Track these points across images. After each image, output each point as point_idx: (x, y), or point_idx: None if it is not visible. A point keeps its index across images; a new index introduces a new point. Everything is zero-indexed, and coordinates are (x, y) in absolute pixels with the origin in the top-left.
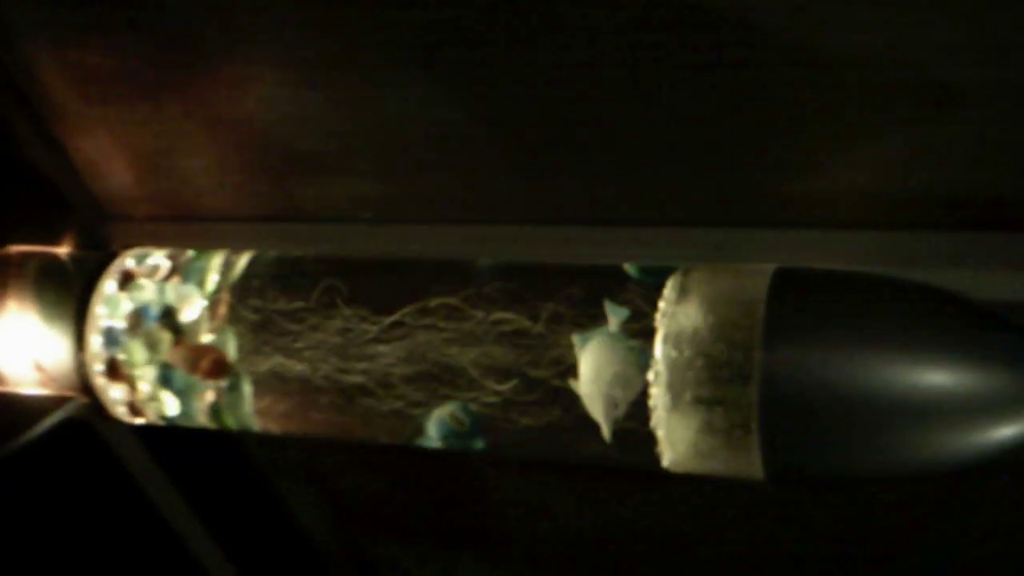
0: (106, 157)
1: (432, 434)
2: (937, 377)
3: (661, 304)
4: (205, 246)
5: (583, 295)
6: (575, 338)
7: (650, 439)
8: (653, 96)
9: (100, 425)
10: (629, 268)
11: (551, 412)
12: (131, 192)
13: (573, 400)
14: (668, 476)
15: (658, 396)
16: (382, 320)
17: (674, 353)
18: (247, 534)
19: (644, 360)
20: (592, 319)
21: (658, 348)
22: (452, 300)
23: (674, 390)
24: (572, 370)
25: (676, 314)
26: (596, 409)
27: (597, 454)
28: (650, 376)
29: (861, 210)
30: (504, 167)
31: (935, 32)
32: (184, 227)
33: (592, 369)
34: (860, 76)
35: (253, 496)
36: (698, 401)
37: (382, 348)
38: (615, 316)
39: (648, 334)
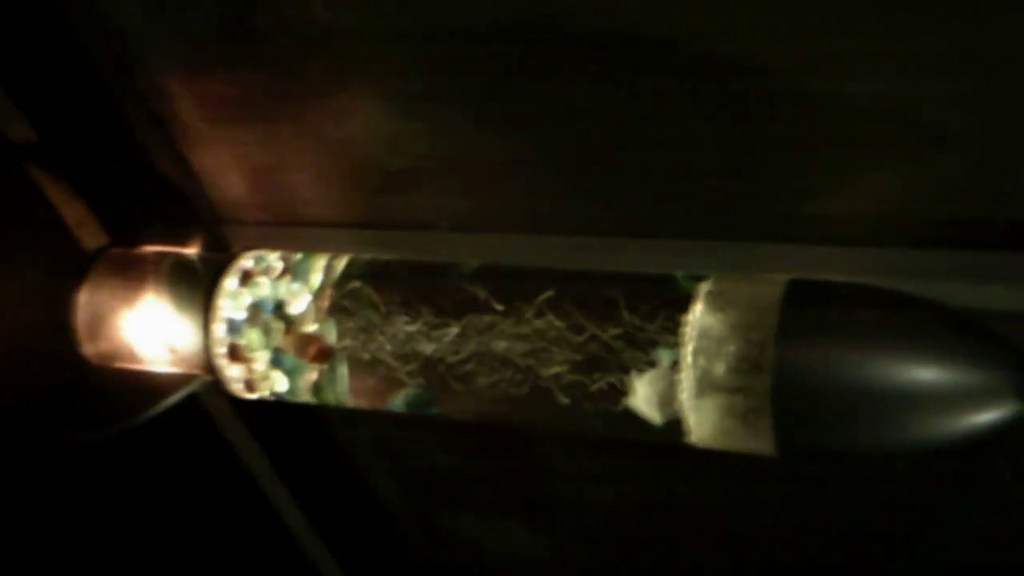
0: (225, 171)
1: (399, 402)
2: (922, 372)
3: (695, 305)
4: (307, 249)
5: (642, 297)
6: (632, 374)
7: (680, 420)
8: (693, 131)
9: (208, 403)
10: (677, 274)
11: (603, 404)
12: (245, 201)
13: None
14: (705, 453)
15: (688, 383)
16: (455, 315)
17: (703, 347)
18: (328, 501)
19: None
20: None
21: (690, 343)
22: (517, 300)
23: (702, 378)
24: (628, 387)
25: (707, 314)
26: (647, 412)
27: (634, 432)
28: (683, 367)
29: (865, 230)
30: (564, 187)
31: (930, 82)
32: (289, 231)
33: (644, 391)
34: (868, 116)
35: (335, 468)
36: (721, 388)
37: (449, 339)
38: (665, 359)
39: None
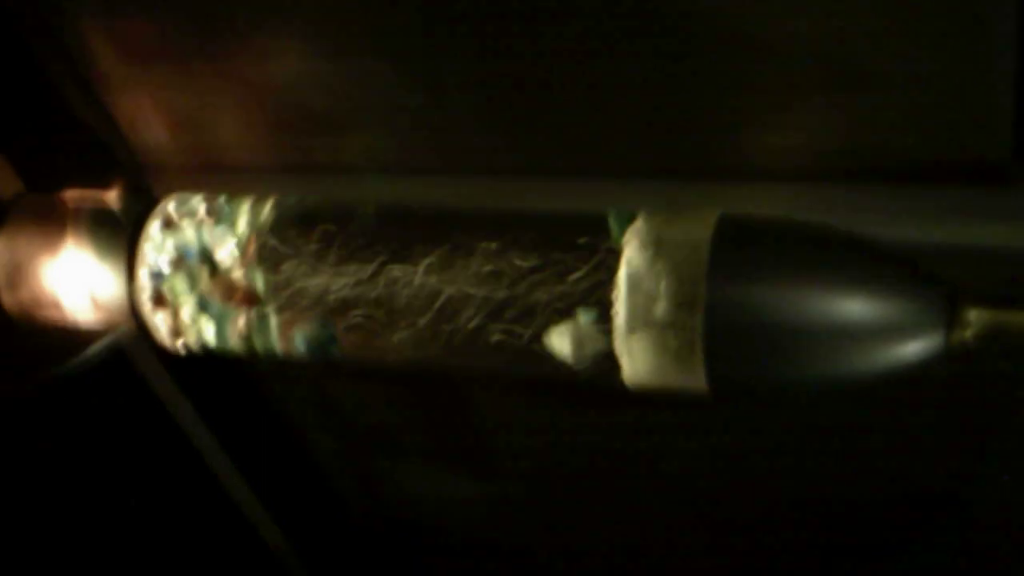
0: (145, 114)
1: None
2: (852, 307)
3: (626, 243)
4: (232, 194)
5: (572, 235)
6: (560, 315)
7: (612, 359)
8: (622, 69)
9: (134, 355)
10: (607, 212)
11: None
12: (166, 145)
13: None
14: (638, 401)
15: (620, 321)
16: (378, 255)
17: (634, 285)
18: (261, 453)
19: (606, 328)
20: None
21: (621, 281)
22: (445, 243)
23: (633, 316)
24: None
25: (638, 252)
26: (565, 353)
27: (564, 373)
28: (614, 304)
29: (795, 166)
30: (490, 126)
31: (858, 20)
32: (213, 176)
33: (571, 332)
34: (797, 54)
35: (267, 420)
36: (653, 325)
37: (377, 282)
38: (585, 316)
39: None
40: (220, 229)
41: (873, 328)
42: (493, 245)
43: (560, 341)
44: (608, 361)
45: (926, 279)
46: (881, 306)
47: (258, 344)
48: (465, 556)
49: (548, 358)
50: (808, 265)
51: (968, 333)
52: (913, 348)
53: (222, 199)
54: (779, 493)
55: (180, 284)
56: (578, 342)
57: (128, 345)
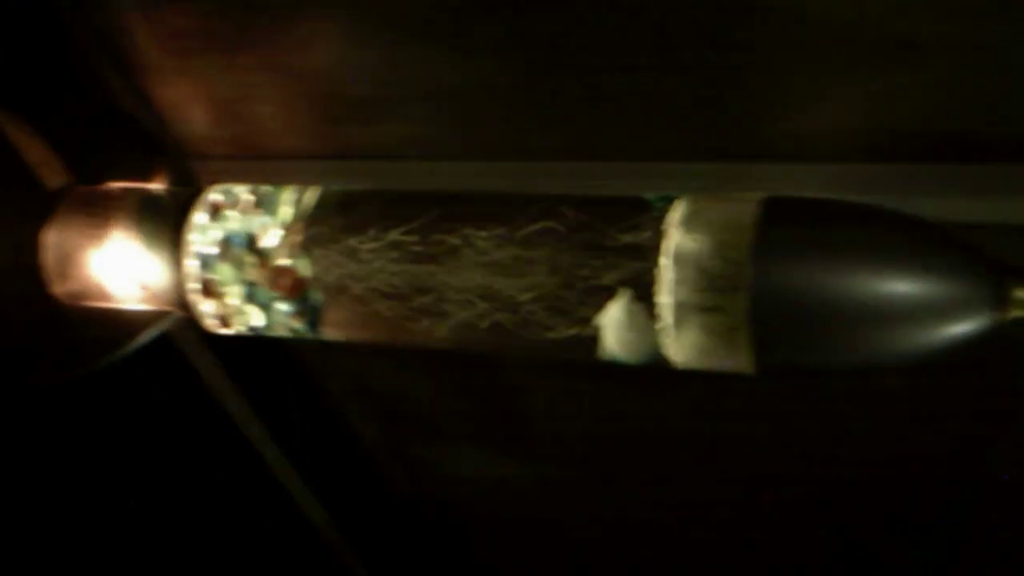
0: (187, 104)
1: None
2: (898, 285)
3: (669, 227)
4: (274, 182)
5: (614, 219)
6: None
7: (657, 342)
8: (660, 51)
9: (179, 339)
10: (648, 196)
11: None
12: (209, 134)
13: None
14: (679, 381)
15: (666, 304)
16: (423, 241)
17: (679, 268)
18: (304, 436)
19: (650, 312)
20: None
21: (666, 264)
22: (489, 226)
23: (677, 300)
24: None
25: (681, 235)
26: (610, 337)
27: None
28: (658, 287)
29: (837, 145)
30: (530, 112)
31: None
32: (255, 165)
33: (617, 317)
34: (837, 30)
35: (311, 403)
36: (698, 308)
37: (423, 267)
38: (629, 299)
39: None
40: (266, 218)
41: (920, 307)
42: (534, 230)
43: (604, 325)
44: (653, 344)
45: (973, 257)
46: (927, 285)
47: (304, 330)
48: (508, 538)
49: (593, 342)
50: (852, 244)
51: (1016, 311)
52: (960, 327)
53: (267, 188)
54: (828, 475)
55: (227, 272)
56: (623, 326)
57: (176, 333)
